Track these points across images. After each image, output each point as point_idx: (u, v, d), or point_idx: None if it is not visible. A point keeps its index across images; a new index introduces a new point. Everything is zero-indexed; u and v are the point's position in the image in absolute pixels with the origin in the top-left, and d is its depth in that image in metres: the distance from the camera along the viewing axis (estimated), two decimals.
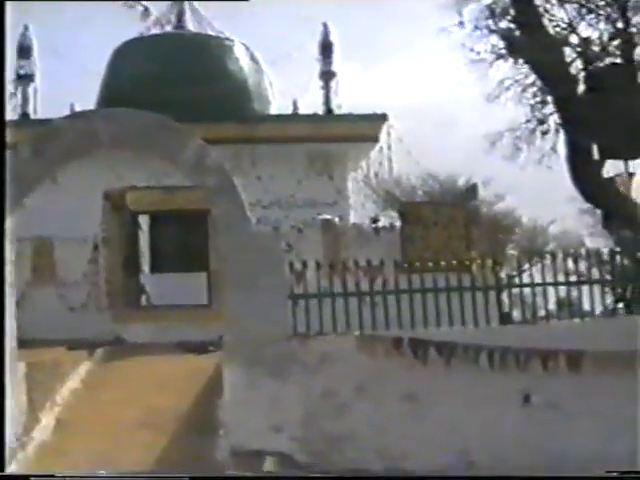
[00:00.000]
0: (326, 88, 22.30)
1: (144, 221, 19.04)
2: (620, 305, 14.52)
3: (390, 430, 9.37)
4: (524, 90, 12.57)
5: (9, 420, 8.14)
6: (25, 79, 21.61)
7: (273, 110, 22.64)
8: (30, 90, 21.71)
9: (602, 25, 12.50)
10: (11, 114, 19.64)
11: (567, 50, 12.43)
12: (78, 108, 18.67)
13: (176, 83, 19.62)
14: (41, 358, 10.85)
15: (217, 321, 10.31)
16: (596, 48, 12.45)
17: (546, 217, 34.68)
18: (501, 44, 12.27)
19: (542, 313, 11.18)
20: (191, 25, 24.20)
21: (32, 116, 21.27)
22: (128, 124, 9.80)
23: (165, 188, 16.72)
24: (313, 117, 21.70)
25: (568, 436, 9.34)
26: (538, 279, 10.98)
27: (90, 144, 9.79)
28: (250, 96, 21.87)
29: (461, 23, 12.05)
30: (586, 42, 12.42)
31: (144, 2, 23.79)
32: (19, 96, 21.49)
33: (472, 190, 19.79)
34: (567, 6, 12.58)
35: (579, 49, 12.39)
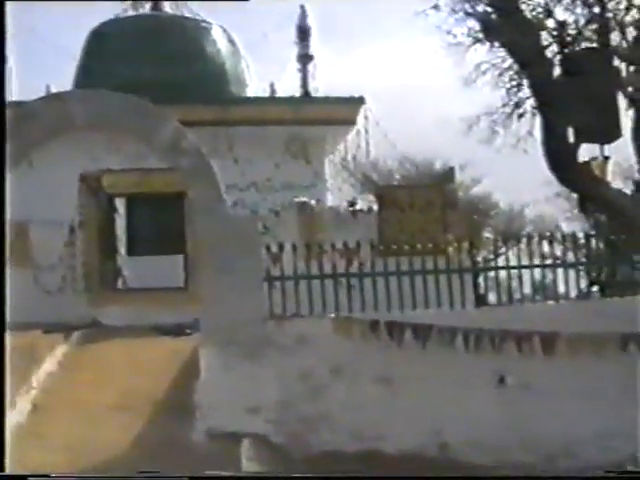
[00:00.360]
0: (303, 71, 22.25)
1: (120, 204, 18.95)
2: (594, 288, 14.67)
3: (365, 411, 9.44)
4: (501, 74, 12.56)
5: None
6: None
7: (250, 93, 22.56)
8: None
9: (579, 10, 12.53)
10: None
11: (543, 34, 12.43)
12: (54, 89, 18.53)
13: (152, 65, 19.51)
14: (17, 342, 10.81)
15: (194, 304, 10.33)
16: (572, 32, 12.47)
17: (522, 201, 34.90)
18: (478, 27, 12.25)
19: (517, 296, 11.27)
20: (168, 7, 24.06)
21: (7, 98, 21.05)
22: (104, 106, 9.76)
23: (141, 170, 16.64)
24: (290, 100, 21.63)
25: (542, 417, 9.45)
26: (514, 262, 11.08)
27: (66, 126, 9.76)
28: (227, 78, 21.79)
29: (436, 6, 11.98)
30: (562, 26, 12.43)
31: None
32: None
33: (449, 173, 19.81)
34: None
35: (555, 33, 12.41)
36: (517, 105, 12.55)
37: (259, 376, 9.44)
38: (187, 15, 23.63)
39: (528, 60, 11.88)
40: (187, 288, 16.19)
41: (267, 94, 22.88)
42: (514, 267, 11.03)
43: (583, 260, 11.94)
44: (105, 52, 21.11)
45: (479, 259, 12.13)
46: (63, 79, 21.92)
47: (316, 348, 9.60)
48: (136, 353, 12.56)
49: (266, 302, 9.88)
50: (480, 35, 12.26)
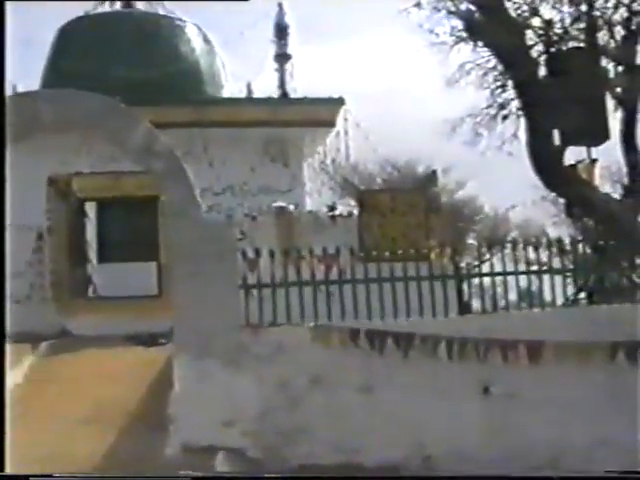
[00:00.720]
0: (281, 71, 22.35)
1: (91, 208, 18.89)
2: (582, 295, 14.73)
3: (345, 423, 9.46)
4: (485, 74, 12.63)
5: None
6: None
7: (226, 93, 22.57)
8: None
9: (565, 8, 12.61)
10: None
11: (529, 33, 12.50)
12: (21, 89, 18.45)
13: (124, 64, 19.48)
14: None
15: (167, 312, 10.31)
16: (558, 31, 12.55)
17: (508, 205, 35.03)
18: (461, 26, 12.31)
19: (502, 303, 11.32)
20: (140, 4, 24.04)
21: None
22: (74, 106, 9.75)
23: (113, 174, 16.61)
24: (268, 101, 21.68)
25: (527, 428, 9.49)
26: (499, 268, 11.12)
27: (34, 127, 9.73)
28: (202, 78, 21.78)
29: (419, 4, 12.04)
30: (548, 24, 12.51)
31: None
32: None
33: (432, 177, 19.89)
34: None
35: (541, 32, 12.48)
36: (502, 106, 12.62)
37: (235, 387, 9.44)
38: (160, 12, 23.62)
39: (513, 60, 11.95)
40: (160, 296, 16.15)
41: (243, 94, 22.89)
42: (499, 273, 11.08)
43: (570, 266, 12.00)
44: (75, 51, 21.06)
45: (463, 265, 12.16)
46: (31, 78, 21.80)
47: (294, 358, 9.60)
48: (107, 364, 12.52)
49: (242, 310, 9.87)
50: (463, 34, 12.33)
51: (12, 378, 11.79)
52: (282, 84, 22.19)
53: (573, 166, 12.47)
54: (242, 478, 8.83)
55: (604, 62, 12.58)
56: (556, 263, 11.25)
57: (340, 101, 21.29)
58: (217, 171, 19.43)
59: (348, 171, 28.78)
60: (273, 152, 20.68)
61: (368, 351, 9.71)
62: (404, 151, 33.49)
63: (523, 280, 11.06)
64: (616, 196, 13.94)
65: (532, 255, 11.24)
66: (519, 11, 12.43)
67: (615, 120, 12.58)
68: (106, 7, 23.87)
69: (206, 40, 22.82)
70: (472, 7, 12.21)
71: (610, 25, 12.49)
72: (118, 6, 23.90)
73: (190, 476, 8.39)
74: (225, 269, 9.68)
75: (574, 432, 9.43)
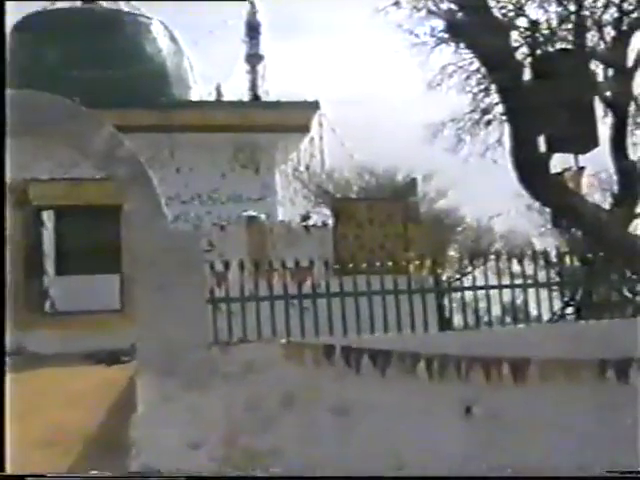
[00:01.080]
0: (252, 72, 22.38)
1: (49, 217, 18.81)
2: (569, 310, 14.82)
3: (319, 445, 9.43)
4: (468, 77, 12.70)
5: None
6: None
7: (194, 96, 22.59)
8: None
9: (552, 7, 12.69)
10: None
11: (513, 34, 12.57)
12: None
13: (85, 64, 19.47)
14: None
15: (130, 328, 10.26)
16: (545, 32, 12.63)
17: (491, 215, 35.18)
18: (442, 27, 12.37)
19: (485, 318, 11.35)
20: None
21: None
22: (30, 109, 9.70)
23: (72, 180, 16.57)
24: (238, 104, 21.72)
25: (512, 450, 9.51)
26: (481, 282, 11.15)
27: None
28: (168, 80, 21.79)
29: (397, 3, 12.10)
30: (534, 25, 12.59)
31: None
32: None
33: (411, 185, 19.95)
34: None
35: (526, 33, 12.57)
36: (485, 111, 12.69)
37: (202, 408, 9.40)
38: (124, 9, 23.58)
39: (497, 62, 12.03)
40: (123, 311, 16.11)
41: (213, 97, 22.94)
42: (482, 287, 11.09)
43: (557, 279, 12.07)
44: (31, 50, 20.97)
45: (444, 278, 12.21)
46: None
47: (265, 376, 9.58)
48: (65, 383, 12.44)
49: (210, 326, 9.84)
50: (445, 35, 12.40)
51: None
52: (253, 87, 22.23)
53: (560, 174, 12.54)
54: (242, 478, 8.83)
55: (593, 65, 12.68)
56: (542, 276, 11.30)
57: (315, 105, 21.37)
58: (184, 178, 19.45)
59: (323, 179, 28.84)
60: (244, 158, 20.71)
61: (343, 369, 9.70)
62: (382, 158, 33.61)
63: (507, 294, 11.11)
64: (605, 206, 14.05)
65: (517, 268, 11.28)
66: (503, 11, 12.52)
67: (604, 126, 12.69)
68: (65, 3, 23.79)
69: (173, 39, 22.84)
70: (454, 6, 12.27)
71: (600, 25, 12.59)
72: (78, 2, 23.82)
73: (190, 476, 8.38)
74: (192, 282, 9.64)
75: (561, 455, 9.46)
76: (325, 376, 9.66)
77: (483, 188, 28.92)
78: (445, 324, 13.83)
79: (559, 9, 12.63)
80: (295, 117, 20.89)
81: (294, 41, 63.41)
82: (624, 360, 9.78)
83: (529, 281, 11.19)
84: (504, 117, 12.39)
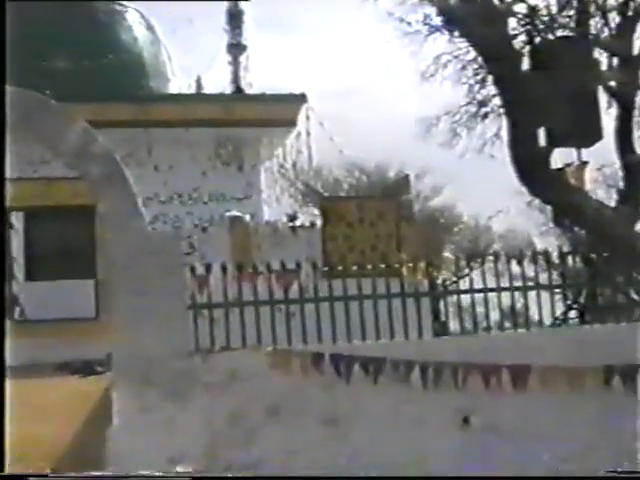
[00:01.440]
0: (235, 63, 22.41)
1: (17, 219, 18.78)
2: (572, 313, 14.88)
3: (307, 458, 9.43)
4: (463, 67, 12.74)
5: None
6: None
7: (173, 89, 22.61)
8: None
9: None
10: None
11: (511, 21, 12.61)
12: None
13: (56, 56, 19.46)
14: None
15: (105, 336, 10.27)
16: (545, 19, 12.67)
17: (489, 213, 35.30)
18: (436, 14, 12.41)
19: (483, 323, 11.40)
20: None
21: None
22: None
23: (43, 179, 16.56)
24: (220, 97, 21.76)
25: (511, 462, 9.53)
26: (479, 284, 11.19)
27: None
28: (145, 71, 21.81)
29: None
30: (533, 11, 12.63)
31: None
32: None
33: (404, 182, 20.04)
34: None
35: (525, 20, 12.61)
36: (482, 103, 12.75)
37: (182, 420, 9.40)
38: None
39: (494, 52, 12.07)
40: (98, 318, 16.13)
41: (193, 90, 22.94)
42: (479, 290, 11.13)
43: (559, 282, 12.10)
44: None
45: (439, 281, 12.23)
46: None
47: (249, 386, 9.59)
48: (37, 396, 12.41)
49: (191, 334, 9.86)
50: (439, 23, 12.44)
51: None
52: (236, 78, 22.28)
53: (561, 170, 12.58)
54: (242, 478, 8.86)
55: (596, 53, 12.73)
56: (543, 278, 11.33)
57: (301, 98, 21.40)
58: (163, 176, 19.46)
59: (311, 176, 28.84)
60: (226, 155, 20.73)
61: (333, 378, 9.72)
62: (373, 153, 33.76)
63: (506, 297, 11.14)
64: (610, 203, 14.08)
65: (516, 269, 11.31)
66: None
67: (609, 118, 12.72)
68: None
69: (150, 28, 22.86)
70: None
71: (603, 11, 12.64)
72: None
73: (190, 476, 8.41)
74: (172, 287, 9.65)
75: (563, 466, 9.49)
76: (313, 385, 9.68)
77: (480, 185, 29.07)
78: (441, 329, 13.89)
79: None
80: (280, 111, 20.92)
81: (279, 31, 63.53)
82: (631, 367, 9.81)
83: (529, 283, 11.23)
84: (502, 110, 12.44)
